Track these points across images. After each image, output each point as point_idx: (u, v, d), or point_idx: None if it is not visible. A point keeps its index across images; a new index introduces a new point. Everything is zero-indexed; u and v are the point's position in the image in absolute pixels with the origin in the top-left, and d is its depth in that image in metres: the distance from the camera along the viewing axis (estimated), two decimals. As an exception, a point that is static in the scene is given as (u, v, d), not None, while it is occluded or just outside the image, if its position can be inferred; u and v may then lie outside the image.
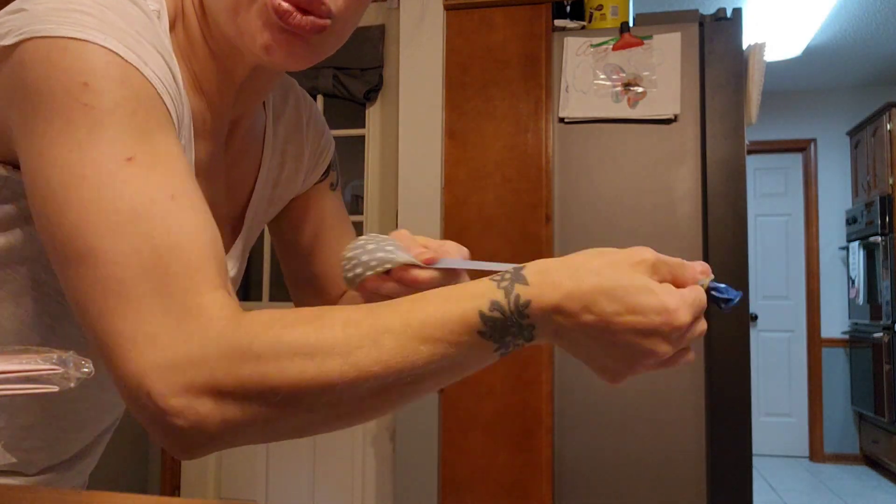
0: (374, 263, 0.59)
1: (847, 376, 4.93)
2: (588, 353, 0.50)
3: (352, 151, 2.88)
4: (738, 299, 0.51)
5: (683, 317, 0.47)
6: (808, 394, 5.03)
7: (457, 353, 0.47)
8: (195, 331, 0.46)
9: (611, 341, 0.48)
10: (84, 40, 0.48)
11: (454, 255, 0.61)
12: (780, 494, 4.17)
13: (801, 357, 5.07)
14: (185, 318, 0.46)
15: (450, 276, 0.60)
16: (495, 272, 0.51)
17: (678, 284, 0.50)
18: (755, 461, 4.84)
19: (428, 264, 0.59)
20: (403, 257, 0.58)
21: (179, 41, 0.62)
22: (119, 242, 0.46)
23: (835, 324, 5.00)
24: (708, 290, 0.51)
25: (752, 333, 5.07)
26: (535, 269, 0.49)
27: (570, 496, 2.11)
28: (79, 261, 0.47)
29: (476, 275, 0.55)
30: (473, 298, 0.47)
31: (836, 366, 4.97)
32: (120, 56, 0.49)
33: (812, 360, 5.03)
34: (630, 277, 0.48)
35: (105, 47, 0.49)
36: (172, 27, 0.61)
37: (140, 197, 0.48)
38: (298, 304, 0.87)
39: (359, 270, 0.59)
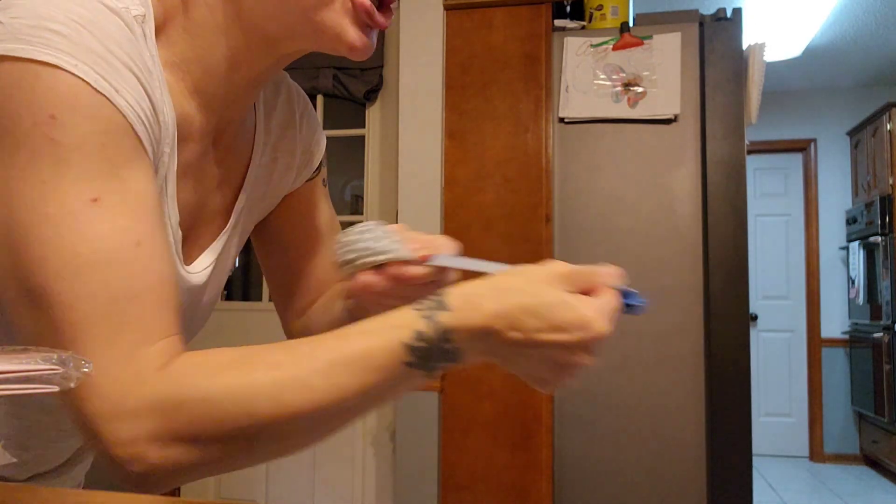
0: (368, 253, 0.59)
1: (847, 376, 4.93)
2: (520, 367, 0.52)
3: (352, 151, 2.88)
4: (644, 305, 0.54)
5: (601, 327, 0.49)
6: (808, 394, 5.03)
7: (385, 384, 0.49)
8: (132, 385, 0.47)
9: (538, 356, 0.50)
10: (55, 66, 0.47)
11: (447, 250, 0.61)
12: (780, 494, 4.17)
13: (801, 357, 5.07)
14: (126, 371, 0.47)
15: (441, 274, 0.61)
16: (487, 273, 0.53)
17: (593, 291, 0.52)
18: (755, 461, 4.83)
19: (423, 261, 0.59)
20: (400, 252, 0.59)
21: (171, 42, 0.60)
22: (76, 286, 0.46)
23: (835, 324, 4.99)
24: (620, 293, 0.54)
25: (752, 333, 5.07)
26: (458, 294, 0.50)
27: (570, 496, 2.11)
28: (34, 300, 0.47)
29: (469, 274, 0.56)
30: (397, 329, 0.49)
31: (836, 366, 4.97)
32: (90, 85, 0.48)
33: (812, 360, 5.02)
34: (550, 294, 0.50)
35: (76, 76, 0.48)
36: (161, 29, 0.59)
37: (103, 241, 0.47)
38: (280, 303, 0.85)
39: (352, 256, 0.59)
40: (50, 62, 0.47)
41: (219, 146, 0.68)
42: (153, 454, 0.46)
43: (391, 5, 0.62)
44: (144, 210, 0.51)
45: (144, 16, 0.56)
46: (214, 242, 0.70)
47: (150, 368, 0.47)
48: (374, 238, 0.59)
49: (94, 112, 0.49)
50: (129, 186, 0.50)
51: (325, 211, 0.84)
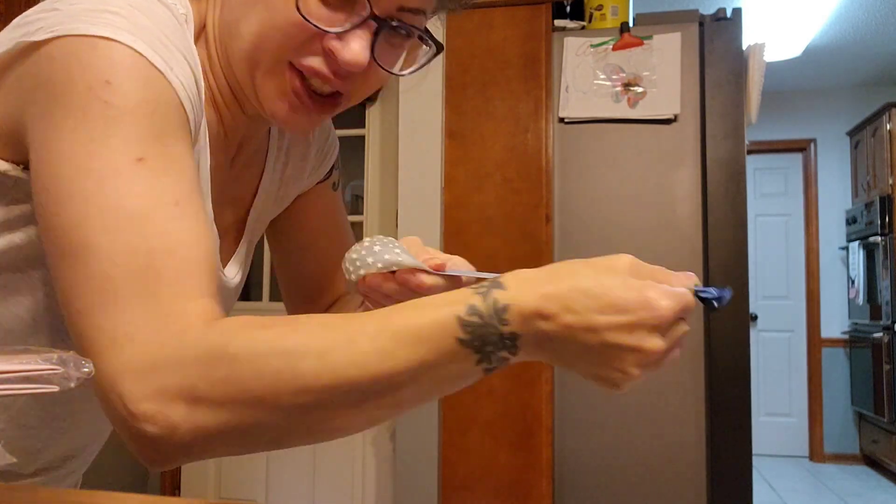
0: (379, 265, 0.57)
1: (847, 376, 4.93)
2: (578, 362, 0.48)
3: (352, 151, 2.88)
4: (729, 296, 0.49)
5: (667, 306, 0.46)
6: (808, 394, 5.03)
7: (435, 361, 0.45)
8: (173, 335, 0.45)
9: (598, 343, 0.46)
10: (112, 39, 0.49)
11: (462, 266, 0.60)
12: (780, 494, 4.17)
13: (801, 357, 5.07)
14: (166, 322, 0.46)
15: (454, 287, 0.57)
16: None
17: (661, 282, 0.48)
18: (755, 461, 4.83)
19: (436, 270, 0.57)
20: (410, 261, 0.57)
21: (201, 53, 0.62)
22: (115, 240, 0.47)
23: (835, 324, 4.99)
24: (696, 294, 0.49)
25: (752, 333, 5.07)
26: (513, 275, 0.48)
27: (570, 496, 2.11)
28: (72, 254, 0.47)
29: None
30: (451, 304, 0.46)
31: (836, 366, 4.97)
32: (146, 58, 0.50)
33: (812, 360, 5.03)
34: (608, 276, 0.46)
35: (132, 48, 0.49)
36: (198, 37, 0.61)
37: (144, 199, 0.48)
38: (291, 306, 0.86)
39: (362, 272, 0.58)
40: (108, 36, 0.49)
41: (235, 165, 0.70)
42: (177, 413, 0.44)
43: (338, 99, 0.62)
44: (185, 174, 0.51)
45: (187, 16, 0.59)
46: (235, 254, 0.72)
47: (194, 321, 0.46)
48: (380, 251, 0.58)
49: (147, 82, 0.50)
50: (172, 153, 0.51)
51: (335, 214, 0.85)
